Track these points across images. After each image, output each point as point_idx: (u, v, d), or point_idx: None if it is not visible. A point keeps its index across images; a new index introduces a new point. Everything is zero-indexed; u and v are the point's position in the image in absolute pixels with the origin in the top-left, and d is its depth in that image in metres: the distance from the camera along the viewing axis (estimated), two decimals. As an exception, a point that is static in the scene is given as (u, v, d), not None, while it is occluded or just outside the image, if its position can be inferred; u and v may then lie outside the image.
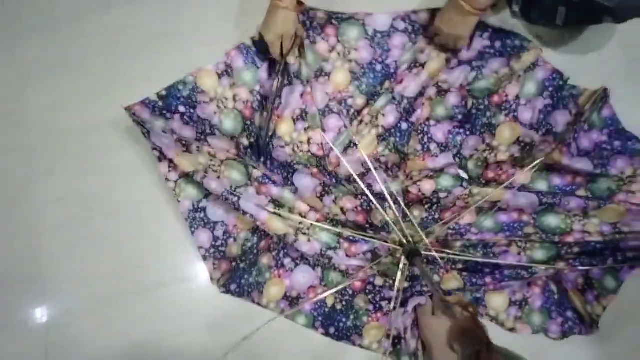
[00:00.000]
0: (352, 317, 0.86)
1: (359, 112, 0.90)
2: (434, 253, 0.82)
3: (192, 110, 0.85)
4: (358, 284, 0.87)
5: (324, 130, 0.89)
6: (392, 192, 0.85)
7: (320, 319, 0.86)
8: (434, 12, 0.90)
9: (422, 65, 0.89)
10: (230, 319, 0.86)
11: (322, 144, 0.89)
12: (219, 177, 0.82)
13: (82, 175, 0.89)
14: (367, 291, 0.87)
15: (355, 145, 0.88)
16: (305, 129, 0.89)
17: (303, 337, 0.86)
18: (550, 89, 0.90)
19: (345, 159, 0.84)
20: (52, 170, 0.90)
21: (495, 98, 0.90)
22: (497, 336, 0.79)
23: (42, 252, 0.87)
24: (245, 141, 0.88)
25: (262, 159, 0.87)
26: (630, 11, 0.76)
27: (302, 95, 0.89)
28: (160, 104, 0.84)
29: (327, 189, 0.88)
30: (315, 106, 0.89)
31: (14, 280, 0.86)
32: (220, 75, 0.88)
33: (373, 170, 0.80)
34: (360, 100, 0.91)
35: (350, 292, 0.87)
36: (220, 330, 0.85)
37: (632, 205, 0.82)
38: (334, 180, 0.87)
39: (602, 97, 0.89)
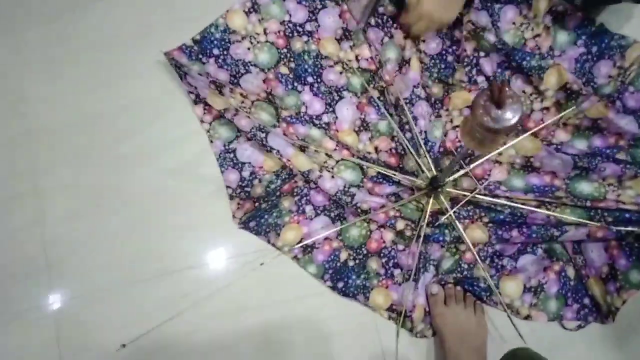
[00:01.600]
0: (362, 276, 0.84)
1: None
2: (457, 194, 0.80)
3: (225, 52, 0.89)
4: (374, 245, 0.86)
5: (369, 45, 0.89)
6: (429, 137, 0.85)
7: (330, 271, 0.85)
8: None
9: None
10: (242, 309, 0.85)
11: (371, 57, 0.90)
12: (248, 117, 0.84)
13: (86, 166, 0.89)
14: (382, 254, 0.85)
15: (407, 62, 0.87)
16: (351, 47, 0.91)
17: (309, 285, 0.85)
18: (584, 36, 0.88)
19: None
20: (56, 161, 0.89)
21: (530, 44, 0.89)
22: (513, 329, 0.79)
23: (49, 242, 0.86)
24: (284, 69, 0.90)
25: (319, 80, 0.89)
26: None
27: (340, 15, 0.91)
28: (196, 48, 0.88)
29: (365, 124, 0.88)
30: (356, 22, 0.90)
31: (21, 270, 0.85)
32: (247, 13, 0.90)
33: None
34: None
35: (365, 252, 0.86)
36: (231, 317, 0.84)
37: None
38: (379, 110, 0.86)
39: None
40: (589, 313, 0.82)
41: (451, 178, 0.83)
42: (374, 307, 0.83)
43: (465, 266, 0.84)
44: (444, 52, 0.89)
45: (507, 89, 0.46)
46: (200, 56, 0.88)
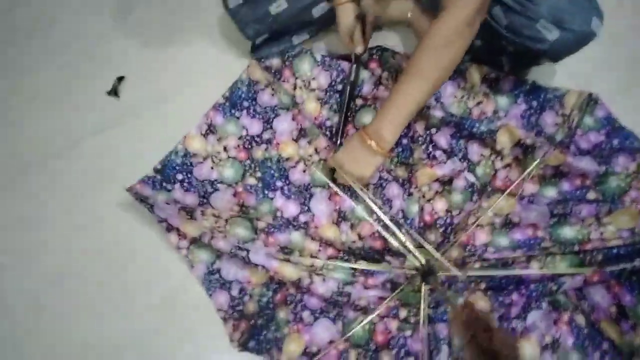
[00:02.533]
0: None
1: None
2: (449, 272, 0.79)
3: (189, 175, 0.89)
4: (380, 338, 0.83)
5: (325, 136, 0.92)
6: (407, 214, 0.86)
7: None
8: (371, 52, 0.97)
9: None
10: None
11: (328, 146, 0.92)
12: (225, 237, 0.82)
13: (68, 325, 0.85)
14: (391, 345, 0.82)
15: None
16: (308, 142, 0.93)
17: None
18: (522, 95, 0.94)
19: None
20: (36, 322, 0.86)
21: (476, 112, 0.93)
22: None
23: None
24: (252, 180, 0.90)
25: (287, 182, 0.90)
26: (563, 51, 0.81)
27: (293, 118, 0.94)
28: (159, 177, 0.88)
29: (342, 214, 0.88)
30: (309, 120, 0.93)
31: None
32: (205, 136, 0.92)
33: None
34: (337, 119, 0.93)
35: (374, 347, 0.82)
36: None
37: None
38: (352, 196, 0.86)
39: (589, 101, 0.92)
40: (613, 357, 0.80)
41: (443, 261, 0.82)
42: None
43: None
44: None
45: (498, 334, 0.48)
46: (165, 184, 0.88)
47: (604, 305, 0.82)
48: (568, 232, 0.84)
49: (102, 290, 0.86)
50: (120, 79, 1.00)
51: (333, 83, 0.96)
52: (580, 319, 0.83)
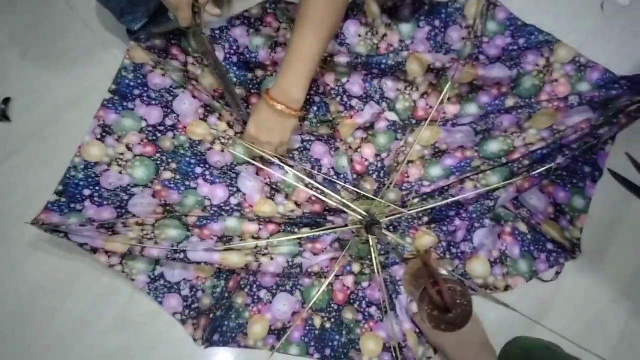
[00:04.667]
0: (344, 332, 0.81)
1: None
2: (392, 217, 0.80)
3: (98, 187, 0.80)
4: (340, 296, 0.83)
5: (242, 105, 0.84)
6: (338, 170, 0.84)
7: (312, 343, 0.81)
8: (264, 6, 0.88)
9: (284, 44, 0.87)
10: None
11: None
12: (157, 243, 0.77)
13: None
14: (352, 300, 0.83)
15: None
16: (218, 118, 0.86)
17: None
18: (422, 17, 0.90)
19: None
20: None
21: (383, 47, 0.89)
22: (503, 308, 0.81)
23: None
24: (167, 174, 0.83)
25: (207, 166, 0.84)
26: None
27: (193, 95, 0.85)
28: (63, 199, 0.78)
29: (274, 186, 0.84)
30: (208, 95, 0.85)
31: None
32: (102, 139, 0.82)
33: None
34: (241, 91, 0.87)
35: (336, 307, 0.82)
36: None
37: (559, 103, 0.82)
38: (280, 168, 0.82)
39: (488, 5, 0.90)
40: (557, 256, 0.84)
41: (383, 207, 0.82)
42: (371, 356, 0.80)
43: None
44: (309, 97, 0.86)
45: (445, 286, 0.46)
46: (73, 205, 0.78)
47: (542, 208, 0.84)
48: (494, 146, 0.84)
49: (50, 328, 0.81)
50: (6, 100, 0.89)
51: (228, 55, 0.88)
52: (522, 227, 0.85)
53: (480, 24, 0.89)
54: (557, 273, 0.84)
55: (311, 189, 0.81)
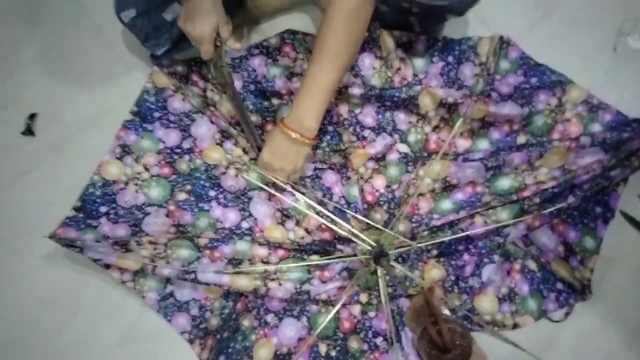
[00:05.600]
0: None
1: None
2: (401, 248, 0.81)
3: (114, 205, 0.82)
4: (347, 325, 0.83)
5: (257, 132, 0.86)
6: (349, 199, 0.85)
7: None
8: (282, 36, 0.92)
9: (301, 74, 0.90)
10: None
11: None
12: (168, 262, 0.78)
13: None
14: (358, 330, 0.83)
15: None
16: (234, 144, 0.88)
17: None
18: (436, 53, 0.93)
19: None
20: None
21: (397, 80, 0.91)
22: (510, 346, 0.80)
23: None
24: (182, 195, 0.85)
25: (220, 190, 0.86)
26: (463, 4, 0.80)
27: (211, 121, 0.88)
28: (80, 215, 0.80)
29: (285, 212, 0.85)
30: (225, 121, 0.87)
31: None
32: (120, 158, 0.84)
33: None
34: (257, 118, 0.90)
35: (342, 336, 0.82)
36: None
37: (570, 143, 0.82)
38: (291, 194, 0.83)
39: (501, 44, 0.92)
40: (567, 296, 0.84)
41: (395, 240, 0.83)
42: None
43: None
44: (322, 126, 0.87)
45: (446, 326, 0.47)
46: (89, 221, 0.80)
47: (552, 246, 0.84)
48: (505, 182, 0.85)
49: (57, 338, 0.82)
50: (33, 116, 0.93)
51: (245, 83, 0.91)
52: (532, 265, 0.85)
53: (492, 62, 0.91)
54: (567, 314, 0.83)
55: (321, 217, 0.82)
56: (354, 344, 0.82)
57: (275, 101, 0.91)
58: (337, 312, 0.82)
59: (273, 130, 0.79)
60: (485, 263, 0.84)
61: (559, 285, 0.84)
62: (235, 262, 0.81)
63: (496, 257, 0.84)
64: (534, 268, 0.85)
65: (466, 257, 0.83)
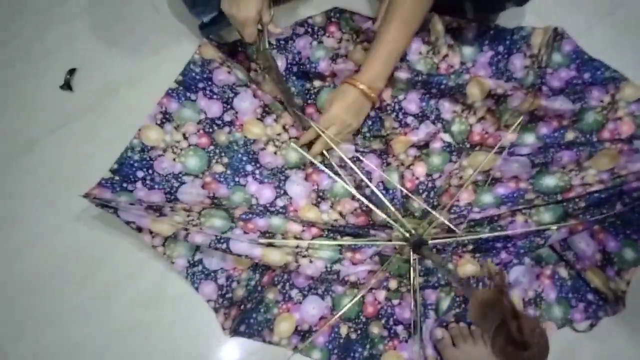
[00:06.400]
0: (367, 346, 0.81)
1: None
2: (439, 239, 0.79)
3: (151, 171, 0.82)
4: (370, 309, 0.82)
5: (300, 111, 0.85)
6: (388, 185, 0.83)
7: (335, 351, 0.81)
8: (329, 14, 0.90)
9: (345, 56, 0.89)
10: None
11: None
12: (201, 229, 0.77)
13: (51, 327, 0.82)
14: (380, 315, 0.82)
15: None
16: (275, 120, 0.87)
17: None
18: (486, 41, 0.90)
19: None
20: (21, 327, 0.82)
21: (443, 67, 0.88)
22: None
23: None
24: (219, 167, 0.84)
25: (257, 165, 0.85)
26: None
27: (254, 95, 0.86)
28: (117, 177, 0.80)
29: (321, 194, 0.84)
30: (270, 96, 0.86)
31: None
32: (161, 125, 0.84)
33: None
34: (298, 101, 0.89)
35: (364, 320, 0.82)
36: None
37: (622, 145, 0.79)
38: (328, 175, 0.83)
39: (555, 36, 0.88)
40: (597, 308, 0.82)
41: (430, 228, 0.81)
42: None
43: (462, 299, 0.82)
44: None
45: (527, 323, 0.44)
46: (125, 184, 0.80)
47: (589, 253, 0.82)
48: (550, 181, 0.83)
49: (82, 290, 0.83)
50: (72, 71, 0.91)
51: (289, 65, 0.89)
52: (563, 272, 0.84)
53: (545, 54, 0.87)
54: (592, 325, 0.82)
55: (357, 201, 0.80)
56: (374, 329, 0.81)
57: (317, 83, 0.89)
58: (363, 296, 0.82)
59: (342, 86, 0.79)
60: (514, 264, 0.82)
61: (590, 297, 0.82)
62: (268, 235, 0.80)
63: (526, 259, 0.82)
64: (564, 275, 0.84)
65: (503, 255, 0.81)
